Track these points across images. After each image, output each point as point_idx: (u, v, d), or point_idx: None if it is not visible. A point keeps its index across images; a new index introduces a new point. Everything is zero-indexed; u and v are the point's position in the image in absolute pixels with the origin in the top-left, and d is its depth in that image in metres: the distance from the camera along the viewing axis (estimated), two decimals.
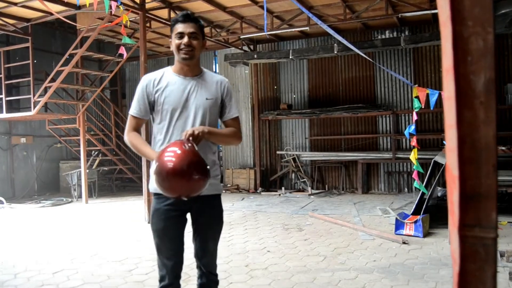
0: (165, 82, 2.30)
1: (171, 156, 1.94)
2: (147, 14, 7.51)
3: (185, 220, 2.33)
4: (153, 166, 2.12)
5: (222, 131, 2.34)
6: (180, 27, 2.23)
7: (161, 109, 2.28)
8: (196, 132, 2.06)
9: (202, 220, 2.33)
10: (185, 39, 2.21)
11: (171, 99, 2.27)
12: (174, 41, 2.25)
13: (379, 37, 9.79)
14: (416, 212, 5.66)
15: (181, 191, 1.97)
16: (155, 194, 2.29)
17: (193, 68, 2.32)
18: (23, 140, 10.48)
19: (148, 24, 8.86)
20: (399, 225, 5.46)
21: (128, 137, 2.33)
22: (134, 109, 2.33)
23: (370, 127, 10.17)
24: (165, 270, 2.28)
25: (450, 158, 0.67)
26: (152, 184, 2.27)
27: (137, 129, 2.36)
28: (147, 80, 2.33)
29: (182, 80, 2.30)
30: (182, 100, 2.27)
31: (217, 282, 2.45)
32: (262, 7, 7.93)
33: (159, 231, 2.27)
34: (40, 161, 11.02)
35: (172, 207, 2.24)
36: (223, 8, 8.46)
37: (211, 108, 2.31)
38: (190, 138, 2.03)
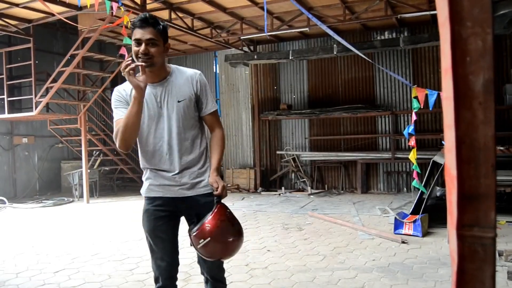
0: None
1: (210, 232, 2.09)
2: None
3: (177, 221, 2.31)
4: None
5: (219, 154, 2.27)
6: (137, 33, 2.07)
7: None
8: (222, 187, 2.13)
9: (193, 223, 2.23)
10: (142, 47, 2.06)
11: (145, 110, 2.16)
12: (133, 48, 2.10)
13: (378, 38, 9.81)
14: (415, 211, 5.68)
15: (218, 256, 2.20)
16: (146, 197, 2.31)
17: (158, 73, 2.18)
18: (24, 140, 10.51)
19: None
20: (398, 225, 5.48)
21: (116, 133, 2.14)
22: (119, 115, 2.18)
23: (370, 127, 10.20)
24: (158, 272, 2.27)
25: (448, 158, 0.66)
26: (143, 188, 2.30)
27: None
28: (119, 90, 2.23)
29: (150, 88, 2.17)
30: (156, 109, 2.18)
31: None
32: (262, 8, 7.96)
33: (149, 232, 2.27)
34: (42, 161, 11.04)
35: (160, 207, 2.24)
36: (223, 9, 8.49)
37: (185, 110, 2.19)
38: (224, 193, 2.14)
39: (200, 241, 2.05)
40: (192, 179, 2.24)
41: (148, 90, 2.15)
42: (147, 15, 2.12)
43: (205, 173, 2.27)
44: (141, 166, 2.32)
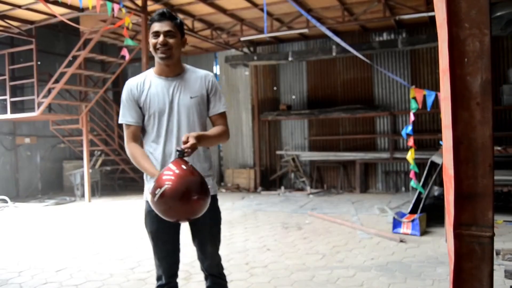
0: (148, 85, 2.24)
1: (169, 179, 1.88)
2: (149, 17, 7.60)
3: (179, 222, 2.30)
4: (150, 184, 2.06)
5: (211, 134, 2.21)
6: (156, 26, 2.15)
7: (148, 114, 2.23)
8: (192, 143, 1.97)
9: (195, 223, 2.26)
10: (160, 38, 2.13)
11: (155, 102, 2.21)
12: (151, 41, 2.18)
13: (377, 39, 9.88)
14: (413, 211, 5.72)
15: (180, 215, 1.95)
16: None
17: (174, 68, 2.24)
18: (27, 140, 10.55)
19: None
20: (396, 224, 5.52)
21: (128, 149, 2.24)
22: (125, 117, 2.24)
23: (368, 128, 10.26)
24: (161, 270, 2.33)
25: (446, 158, 0.68)
26: (146, 193, 2.26)
27: (135, 138, 2.25)
28: (130, 85, 2.26)
29: (164, 82, 2.23)
30: (166, 102, 2.21)
31: (223, 285, 2.42)
32: (262, 9, 8.02)
33: (152, 233, 2.30)
34: (44, 161, 11.09)
35: None
36: (223, 10, 8.55)
37: (197, 106, 2.24)
38: (189, 150, 1.97)
39: (156, 191, 1.86)
40: None
41: (161, 83, 2.24)
42: (165, 10, 2.21)
43: (209, 178, 2.27)
44: None
